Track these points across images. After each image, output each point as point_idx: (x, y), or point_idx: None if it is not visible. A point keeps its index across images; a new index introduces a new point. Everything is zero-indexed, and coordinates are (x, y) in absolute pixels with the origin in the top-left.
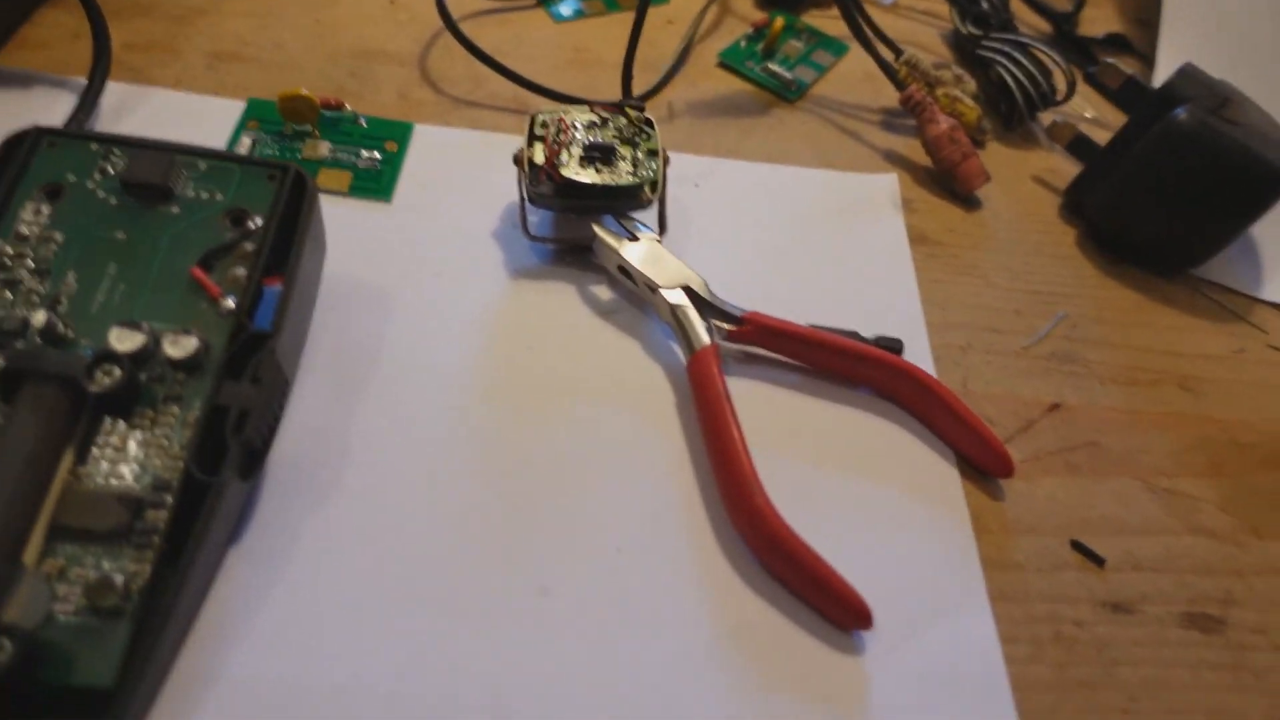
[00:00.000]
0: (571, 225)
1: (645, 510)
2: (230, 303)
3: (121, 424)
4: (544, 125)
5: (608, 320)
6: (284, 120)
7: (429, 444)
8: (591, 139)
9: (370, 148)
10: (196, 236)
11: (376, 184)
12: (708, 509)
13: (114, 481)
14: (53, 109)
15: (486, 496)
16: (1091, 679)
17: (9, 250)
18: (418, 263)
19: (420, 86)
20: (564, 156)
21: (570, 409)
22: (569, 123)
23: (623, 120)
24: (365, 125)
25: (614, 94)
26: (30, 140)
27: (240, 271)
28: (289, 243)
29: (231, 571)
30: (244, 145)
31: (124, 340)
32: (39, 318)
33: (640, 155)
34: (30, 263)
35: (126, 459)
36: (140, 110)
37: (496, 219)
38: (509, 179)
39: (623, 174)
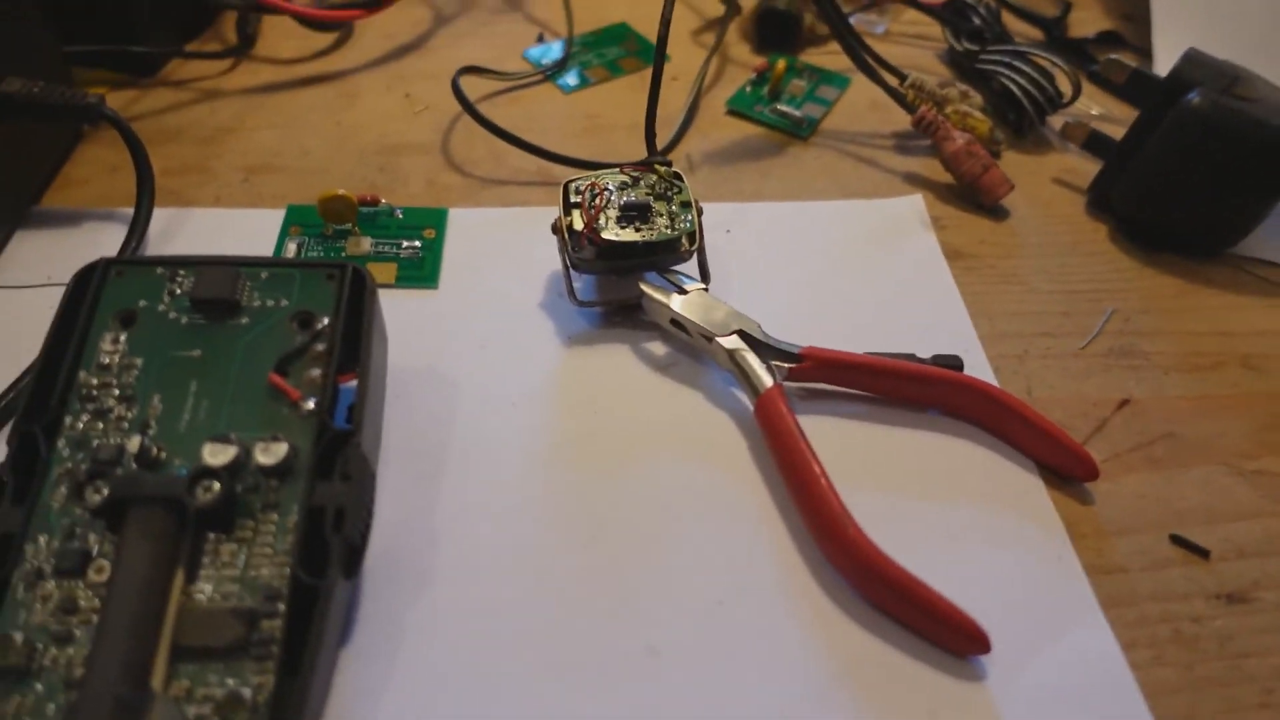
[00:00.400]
0: (615, 286)
1: (738, 559)
2: (310, 404)
3: (224, 538)
4: (578, 192)
5: (666, 374)
6: (324, 221)
7: (514, 518)
8: (626, 199)
9: (410, 238)
10: (268, 343)
11: (420, 272)
12: (800, 550)
13: (225, 596)
14: (103, 241)
15: (580, 563)
16: (1221, 675)
17: (94, 381)
18: (473, 343)
19: (446, 171)
20: (602, 220)
21: (645, 466)
22: (602, 186)
23: (653, 177)
24: (401, 216)
25: (631, 154)
26: (99, 271)
27: (315, 373)
28: (355, 339)
29: (346, 672)
30: (290, 251)
31: (217, 455)
32: (133, 443)
33: (675, 209)
34: (116, 390)
35: (234, 572)
36: (185, 231)
37: (542, 289)
38: (548, 249)
39: (661, 229)
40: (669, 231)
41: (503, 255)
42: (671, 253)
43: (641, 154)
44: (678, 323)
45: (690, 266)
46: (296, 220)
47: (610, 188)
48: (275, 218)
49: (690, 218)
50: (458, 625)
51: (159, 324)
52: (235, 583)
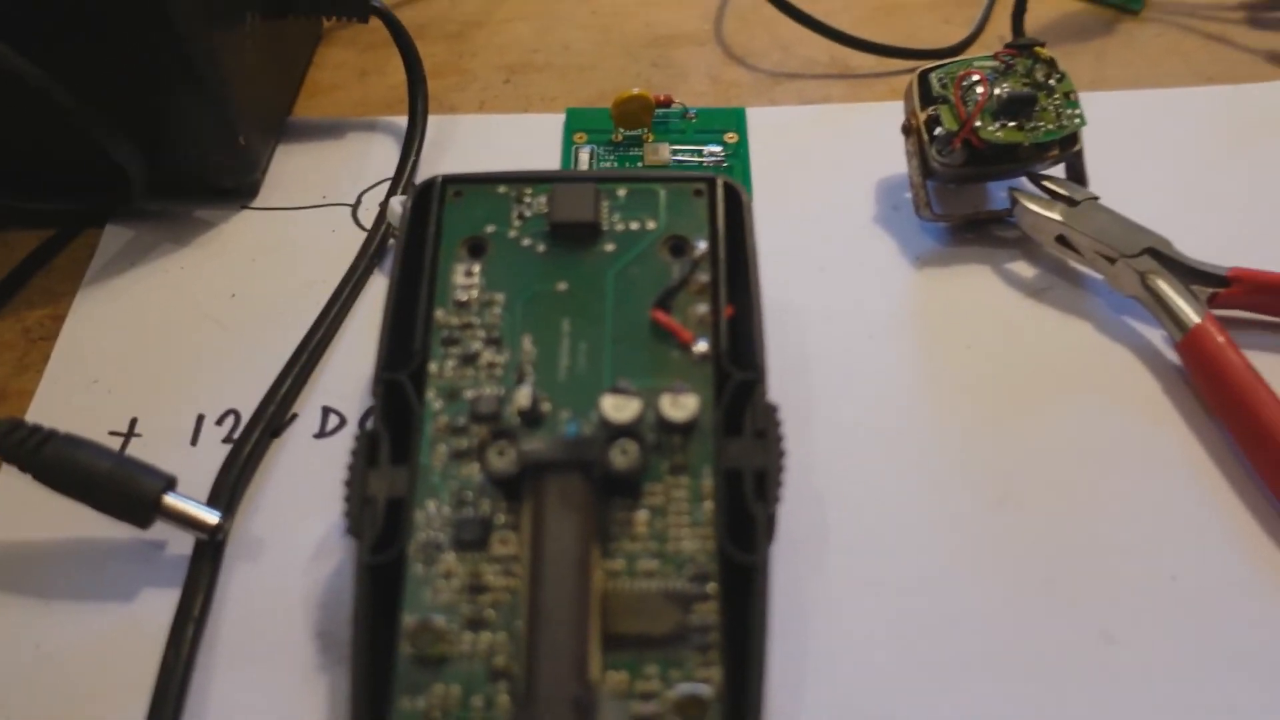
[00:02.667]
0: (965, 196)
1: (1182, 524)
2: (703, 346)
3: (634, 504)
4: (943, 84)
5: (1041, 301)
6: (616, 126)
7: (904, 475)
8: (1006, 91)
9: (709, 142)
10: (640, 274)
11: None
12: (1257, 517)
13: (648, 574)
14: (372, 153)
15: (995, 530)
16: None
17: (454, 321)
18: (807, 265)
19: (728, 65)
20: (979, 118)
21: (1045, 412)
22: (976, 76)
23: (1028, 62)
24: (695, 118)
25: (938, 39)
26: (437, 192)
27: (701, 308)
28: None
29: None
30: (583, 161)
31: (621, 410)
32: (523, 396)
33: (1058, 101)
34: (481, 332)
35: (650, 545)
36: (457, 141)
37: (870, 201)
38: (865, 153)
39: (1047, 127)
40: (1055, 130)
41: (815, 161)
42: (1042, 156)
43: (947, 39)
44: (1065, 240)
45: (1057, 172)
46: (579, 126)
47: (982, 79)
48: (553, 123)
49: (1077, 113)
50: (870, 601)
51: (513, 253)
52: (654, 558)
